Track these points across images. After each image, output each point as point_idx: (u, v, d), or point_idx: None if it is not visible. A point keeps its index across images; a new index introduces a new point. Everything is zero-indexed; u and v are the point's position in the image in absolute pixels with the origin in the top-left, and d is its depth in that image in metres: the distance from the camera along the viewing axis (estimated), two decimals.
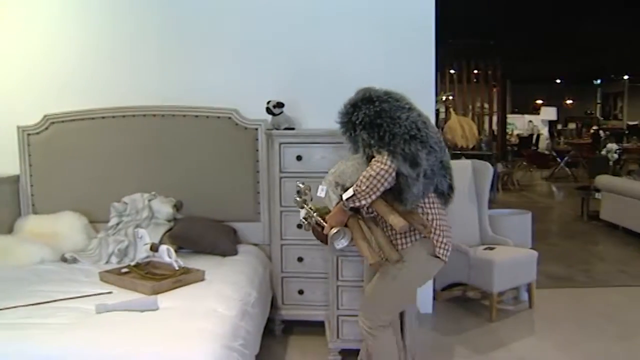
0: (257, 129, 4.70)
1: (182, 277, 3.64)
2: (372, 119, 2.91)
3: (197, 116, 4.74)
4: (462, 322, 4.87)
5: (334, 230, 3.07)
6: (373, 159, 2.89)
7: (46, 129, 4.92)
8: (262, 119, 4.62)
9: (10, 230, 4.79)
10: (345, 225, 3.10)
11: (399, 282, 3.08)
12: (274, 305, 4.44)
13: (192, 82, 4.84)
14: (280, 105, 4.43)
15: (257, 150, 4.70)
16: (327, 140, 4.30)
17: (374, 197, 2.88)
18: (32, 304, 3.27)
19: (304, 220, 3.39)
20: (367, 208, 3.04)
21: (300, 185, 3.50)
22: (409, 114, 2.91)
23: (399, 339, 3.48)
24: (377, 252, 3.05)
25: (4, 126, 5.02)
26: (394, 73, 4.66)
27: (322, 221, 3.21)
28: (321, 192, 3.20)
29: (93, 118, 4.85)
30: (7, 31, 5.02)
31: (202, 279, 3.70)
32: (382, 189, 2.86)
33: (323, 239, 3.25)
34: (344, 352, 3.97)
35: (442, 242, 3.01)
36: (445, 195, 3.09)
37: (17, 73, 5.04)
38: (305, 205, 3.40)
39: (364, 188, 2.86)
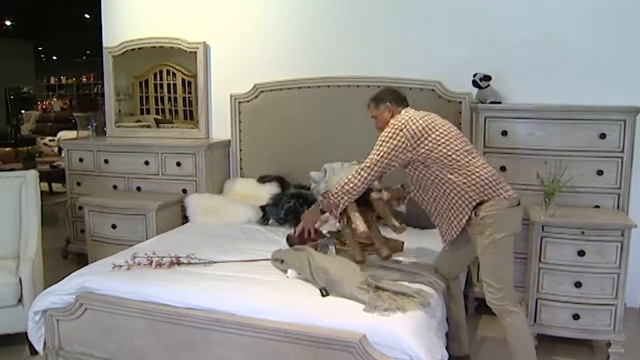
0: (461, 102, 4.59)
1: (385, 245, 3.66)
2: None
3: (400, 87, 4.68)
4: None
5: None
6: None
7: (255, 97, 5.22)
8: (466, 92, 4.50)
9: (220, 190, 5.18)
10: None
11: (505, 244, 3.09)
12: (468, 282, 4.34)
13: (397, 54, 4.83)
14: (487, 78, 4.27)
15: (460, 124, 4.58)
16: (535, 116, 4.10)
17: None
18: (244, 261, 3.53)
19: None
20: None
21: None
22: None
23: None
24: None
25: (219, 95, 5.44)
26: (614, 48, 4.33)
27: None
28: None
29: (299, 87, 5.06)
30: (222, 6, 5.38)
31: (401, 250, 3.72)
32: None
33: None
34: (540, 338, 3.80)
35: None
36: None
37: (231, 45, 5.40)
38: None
39: None
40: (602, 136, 3.94)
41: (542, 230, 3.72)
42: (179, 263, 3.42)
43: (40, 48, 18.95)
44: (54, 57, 20.65)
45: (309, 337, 2.69)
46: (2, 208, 4.13)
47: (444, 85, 4.63)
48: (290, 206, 4.46)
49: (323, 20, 5.07)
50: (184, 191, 5.04)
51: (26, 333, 3.41)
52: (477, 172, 3.08)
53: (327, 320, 2.73)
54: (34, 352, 3.56)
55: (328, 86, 4.95)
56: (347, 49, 4.99)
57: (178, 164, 5.06)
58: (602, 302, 3.69)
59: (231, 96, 5.29)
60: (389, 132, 3.23)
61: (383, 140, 3.24)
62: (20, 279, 3.73)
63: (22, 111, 14.92)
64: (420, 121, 3.20)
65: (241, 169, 5.36)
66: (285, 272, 3.28)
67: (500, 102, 4.29)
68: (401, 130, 3.18)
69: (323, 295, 2.92)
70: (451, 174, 3.09)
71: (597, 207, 4.02)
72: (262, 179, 5.02)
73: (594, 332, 3.75)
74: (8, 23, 15.28)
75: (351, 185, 3.26)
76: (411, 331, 2.62)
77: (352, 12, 4.96)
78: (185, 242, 3.92)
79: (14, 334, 3.76)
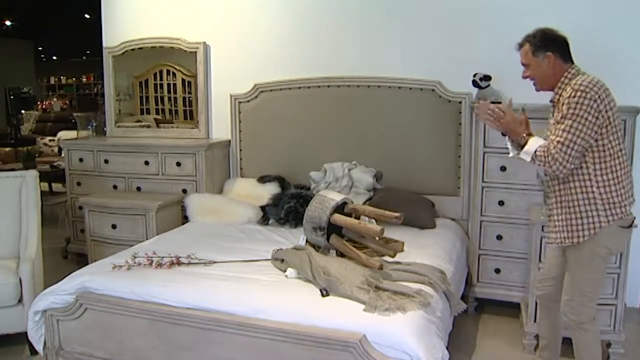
0: (461, 102, 4.58)
1: (382, 247, 3.67)
2: None
3: (400, 87, 4.72)
4: None
5: None
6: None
7: (255, 97, 5.22)
8: (467, 92, 4.49)
9: (220, 190, 5.19)
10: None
11: (602, 261, 2.91)
12: (468, 282, 4.34)
13: (397, 54, 4.82)
14: (487, 78, 4.27)
15: (460, 124, 4.59)
16: (535, 116, 4.06)
17: None
18: (244, 261, 3.53)
19: None
20: None
21: None
22: None
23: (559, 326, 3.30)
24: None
25: (219, 95, 5.45)
26: (614, 49, 4.31)
27: None
28: None
29: (299, 87, 5.06)
30: (222, 6, 5.38)
31: (402, 250, 3.71)
32: None
33: None
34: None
35: None
36: None
37: (231, 45, 5.40)
38: None
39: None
40: None
41: (542, 230, 3.71)
42: (179, 263, 3.42)
43: (40, 48, 18.94)
44: (54, 57, 20.65)
45: (309, 337, 2.68)
46: (2, 208, 4.12)
47: (444, 85, 4.63)
48: (290, 206, 4.46)
49: (323, 21, 5.06)
50: (184, 191, 5.04)
51: (26, 333, 3.41)
52: (622, 187, 2.82)
53: (327, 320, 2.73)
54: (34, 352, 3.56)
55: (328, 86, 4.95)
56: (347, 49, 4.99)
57: (178, 164, 5.06)
58: (602, 302, 3.68)
59: (231, 96, 5.30)
60: (581, 101, 2.71)
61: (573, 113, 2.72)
62: (20, 279, 3.72)
63: (22, 111, 14.91)
64: (610, 95, 2.78)
65: (241, 169, 5.36)
66: (285, 271, 3.28)
67: (500, 102, 4.24)
68: (595, 101, 2.71)
69: (323, 296, 2.92)
70: (597, 185, 2.80)
71: None
72: (262, 179, 5.02)
73: None
74: (8, 23, 15.27)
75: (550, 160, 2.74)
76: (411, 331, 2.62)
77: (352, 12, 4.96)
78: (185, 242, 3.92)
79: (14, 334, 3.76)
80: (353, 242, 3.57)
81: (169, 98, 5.78)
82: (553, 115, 2.95)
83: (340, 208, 3.58)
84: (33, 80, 18.12)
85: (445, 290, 3.24)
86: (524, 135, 2.90)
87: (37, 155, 8.08)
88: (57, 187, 8.53)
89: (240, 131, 5.32)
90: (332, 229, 3.53)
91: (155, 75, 5.79)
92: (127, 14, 5.75)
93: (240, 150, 5.35)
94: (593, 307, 2.96)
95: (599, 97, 2.71)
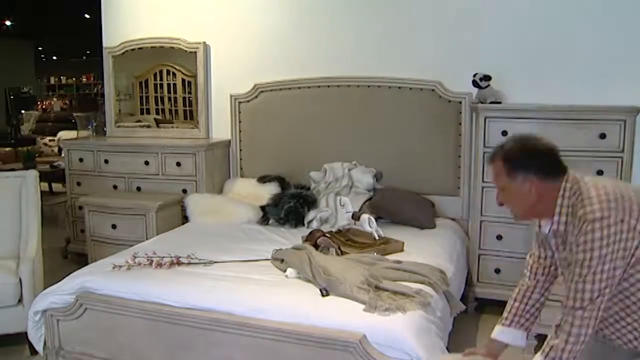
0: (461, 102, 4.57)
1: (382, 247, 3.68)
2: None
3: (400, 87, 4.72)
4: None
5: None
6: None
7: (255, 97, 5.22)
8: (467, 92, 4.49)
9: (220, 190, 5.19)
10: None
11: None
12: (468, 282, 4.33)
13: (397, 54, 4.82)
14: (487, 78, 4.27)
15: (460, 124, 4.59)
16: (535, 116, 4.10)
17: None
18: (244, 261, 3.53)
19: None
20: None
21: None
22: None
23: None
24: None
25: (219, 95, 5.45)
26: (614, 48, 4.30)
27: None
28: None
29: (299, 87, 5.06)
30: (222, 7, 5.38)
31: (402, 250, 3.72)
32: None
33: None
34: (540, 337, 3.79)
35: None
36: None
37: (231, 45, 5.40)
38: None
39: None
40: (602, 136, 3.94)
41: None
42: (179, 263, 3.42)
43: (40, 48, 18.92)
44: (54, 57, 20.63)
45: (309, 337, 2.68)
46: (2, 208, 4.12)
47: (444, 85, 4.62)
48: (290, 206, 4.46)
49: (323, 20, 5.06)
50: (184, 191, 5.03)
51: (26, 333, 3.41)
52: None
53: (327, 320, 2.73)
54: (34, 352, 3.56)
55: (328, 86, 4.95)
56: (347, 49, 4.98)
57: (178, 164, 5.06)
58: None
59: (231, 96, 5.30)
60: (597, 236, 1.92)
61: (592, 250, 1.94)
62: (20, 279, 3.72)
63: (22, 111, 14.90)
64: (628, 192, 2.01)
65: (241, 169, 5.36)
66: (285, 271, 3.28)
67: (500, 102, 4.29)
68: (615, 224, 1.92)
69: (323, 296, 2.92)
70: None
71: None
72: (262, 179, 5.02)
73: None
74: (8, 23, 15.26)
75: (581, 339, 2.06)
76: (411, 331, 2.62)
77: (352, 12, 4.95)
78: (185, 242, 3.91)
79: (14, 334, 3.75)
80: (353, 242, 3.58)
81: (169, 98, 5.78)
82: (559, 250, 2.22)
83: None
84: (33, 80, 18.09)
85: (445, 290, 3.24)
86: None
87: (37, 155, 8.09)
88: (57, 187, 8.54)
89: (240, 131, 5.33)
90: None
91: (155, 75, 5.79)
92: (127, 14, 5.75)
93: (240, 150, 5.35)
94: None
95: (617, 216, 1.93)
